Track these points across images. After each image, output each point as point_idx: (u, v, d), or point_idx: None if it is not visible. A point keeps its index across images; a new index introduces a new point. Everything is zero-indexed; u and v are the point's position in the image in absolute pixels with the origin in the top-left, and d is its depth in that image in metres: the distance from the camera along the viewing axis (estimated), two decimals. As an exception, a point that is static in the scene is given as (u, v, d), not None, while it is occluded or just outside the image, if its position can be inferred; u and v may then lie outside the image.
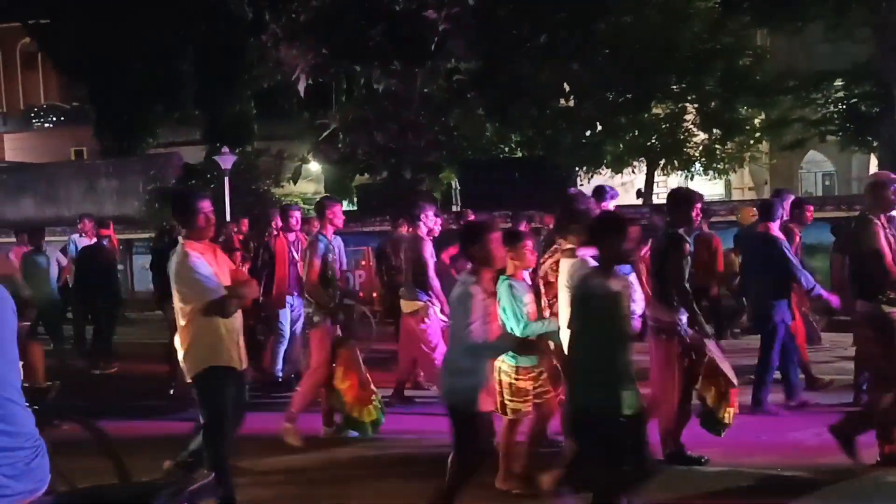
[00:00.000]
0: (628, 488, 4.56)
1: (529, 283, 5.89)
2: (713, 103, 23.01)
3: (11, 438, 2.94)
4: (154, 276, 10.12)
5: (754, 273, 8.34)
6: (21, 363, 5.35)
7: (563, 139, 23.79)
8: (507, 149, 26.45)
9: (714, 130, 23.51)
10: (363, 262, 10.57)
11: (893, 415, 6.20)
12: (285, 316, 9.62)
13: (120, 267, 12.99)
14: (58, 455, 5.21)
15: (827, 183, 34.30)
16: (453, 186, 26.53)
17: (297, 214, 9.81)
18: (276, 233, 9.79)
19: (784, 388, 8.14)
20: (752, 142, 24.54)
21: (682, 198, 6.59)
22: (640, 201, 22.90)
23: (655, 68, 21.66)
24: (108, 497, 3.76)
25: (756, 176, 32.19)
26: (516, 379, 5.77)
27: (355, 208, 25.26)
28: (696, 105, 23.41)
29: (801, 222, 9.02)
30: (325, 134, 25.62)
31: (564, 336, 5.48)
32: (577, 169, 24.02)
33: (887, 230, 6.29)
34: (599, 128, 24.07)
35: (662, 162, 24.22)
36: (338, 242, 7.83)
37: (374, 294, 10.18)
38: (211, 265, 5.35)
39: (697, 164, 24.53)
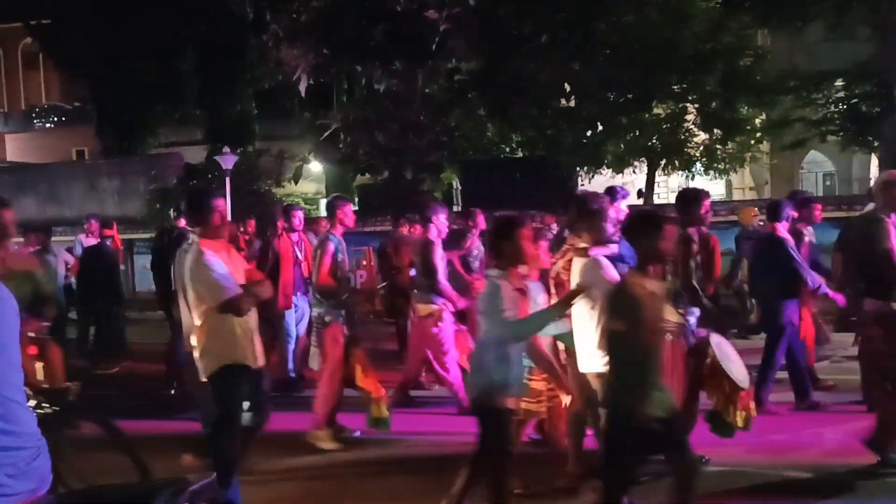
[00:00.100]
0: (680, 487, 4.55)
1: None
2: (714, 103, 22.98)
3: (13, 438, 2.94)
4: (155, 276, 10.12)
5: (761, 274, 8.34)
6: (41, 364, 5.38)
7: (564, 139, 23.79)
8: (507, 149, 26.45)
9: (715, 130, 23.48)
10: (364, 262, 10.55)
11: None
12: (290, 316, 9.63)
13: (122, 267, 12.97)
14: (75, 454, 5.33)
15: (828, 183, 34.27)
16: (454, 186, 26.56)
17: (300, 214, 9.81)
18: (279, 233, 9.79)
19: (794, 390, 8.12)
20: (752, 142, 24.51)
21: (690, 198, 6.68)
22: (640, 201, 22.89)
23: (656, 68, 21.64)
24: (109, 497, 3.76)
25: (757, 176, 32.19)
26: (530, 379, 5.77)
27: (356, 208, 25.24)
28: (696, 105, 23.39)
29: (810, 221, 9.01)
30: (326, 134, 25.65)
31: (577, 337, 5.50)
32: (577, 169, 24.01)
33: None
34: (600, 128, 24.04)
35: (663, 162, 24.20)
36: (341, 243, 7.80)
37: (377, 301, 10.18)
38: (226, 264, 5.36)
39: (698, 164, 24.50)
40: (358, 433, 7.49)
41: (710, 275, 9.53)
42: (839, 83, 21.80)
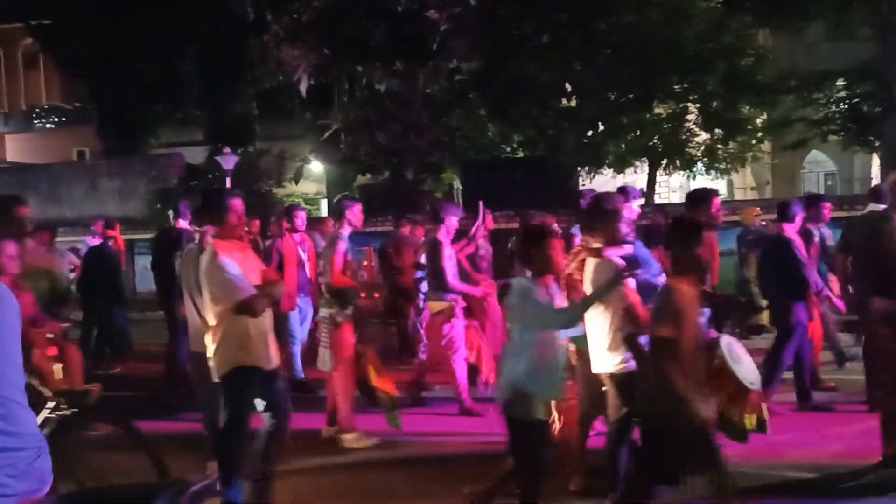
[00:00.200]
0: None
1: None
2: (715, 103, 23.00)
3: (14, 439, 2.94)
4: (155, 277, 10.11)
5: (769, 275, 8.35)
6: (60, 365, 5.38)
7: (565, 139, 23.80)
8: (508, 149, 26.46)
9: (716, 130, 23.51)
10: (365, 263, 10.53)
11: None
12: (295, 317, 9.61)
13: (123, 267, 12.98)
14: (94, 454, 5.33)
15: (829, 183, 34.27)
16: (455, 187, 26.54)
17: (303, 215, 9.78)
18: (282, 233, 9.76)
19: (796, 391, 8.11)
20: (754, 142, 24.55)
21: (700, 197, 6.75)
22: (642, 201, 22.88)
23: (657, 68, 21.65)
24: (110, 497, 3.76)
25: (758, 176, 32.19)
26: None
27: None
28: (697, 105, 23.41)
29: (818, 221, 9.00)
30: (326, 134, 25.64)
31: (589, 338, 5.48)
32: (578, 169, 24.00)
33: None
34: (601, 128, 24.06)
35: (664, 162, 24.23)
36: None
37: (376, 294, 10.16)
38: (240, 264, 5.36)
39: (699, 164, 24.54)
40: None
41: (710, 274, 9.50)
42: (840, 83, 21.83)
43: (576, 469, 5.95)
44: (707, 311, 6.27)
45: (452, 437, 7.67)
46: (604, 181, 24.48)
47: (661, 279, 5.68)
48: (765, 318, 10.63)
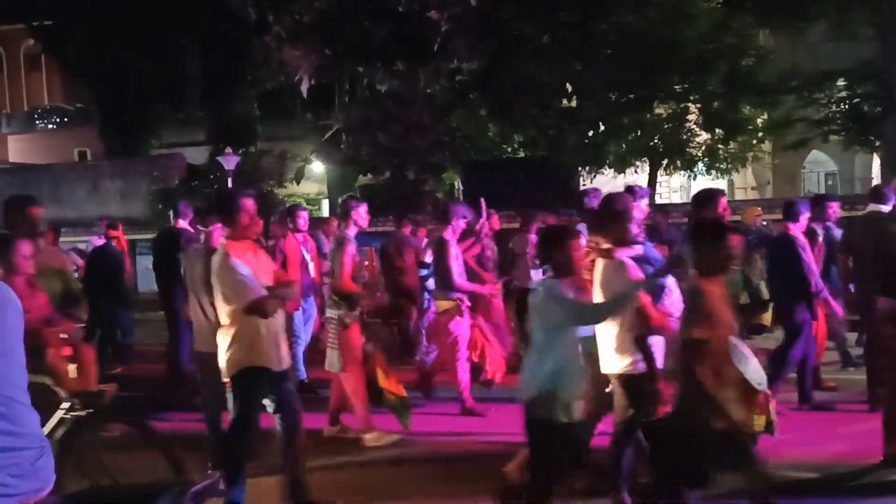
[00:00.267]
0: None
1: None
2: (716, 103, 23.00)
3: (16, 438, 2.95)
4: (157, 277, 10.12)
5: (775, 274, 8.36)
6: (75, 366, 5.39)
7: (566, 139, 23.80)
8: (509, 149, 26.47)
9: (717, 130, 23.49)
10: (366, 263, 10.55)
11: None
12: (298, 317, 9.61)
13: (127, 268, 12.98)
14: (108, 453, 5.35)
15: (830, 183, 34.28)
16: (456, 187, 26.55)
17: (305, 215, 9.77)
18: (285, 234, 9.76)
19: (798, 391, 8.11)
20: (754, 142, 24.55)
21: (706, 198, 6.75)
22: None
23: (658, 68, 21.65)
24: (112, 497, 3.77)
25: (759, 176, 32.19)
26: None
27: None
28: (698, 105, 23.40)
29: (823, 220, 9.00)
30: (328, 134, 25.66)
31: (599, 339, 5.46)
32: (579, 169, 24.01)
33: None
34: (602, 128, 24.05)
35: (665, 162, 24.21)
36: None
37: (377, 294, 10.19)
38: (252, 265, 5.36)
39: (700, 164, 24.52)
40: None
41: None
42: (841, 83, 21.83)
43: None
44: (677, 302, 6.24)
45: (452, 437, 7.66)
46: (604, 181, 24.48)
47: (670, 280, 5.68)
48: (766, 318, 10.61)
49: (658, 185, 25.32)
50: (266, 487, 5.82)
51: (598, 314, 4.88)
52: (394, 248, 11.04)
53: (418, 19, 21.94)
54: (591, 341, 5.55)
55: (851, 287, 8.62)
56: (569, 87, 24.34)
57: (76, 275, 12.42)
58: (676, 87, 22.93)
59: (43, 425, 4.92)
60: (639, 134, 23.64)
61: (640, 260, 5.45)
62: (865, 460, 6.28)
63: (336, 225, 12.84)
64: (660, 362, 5.26)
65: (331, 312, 7.45)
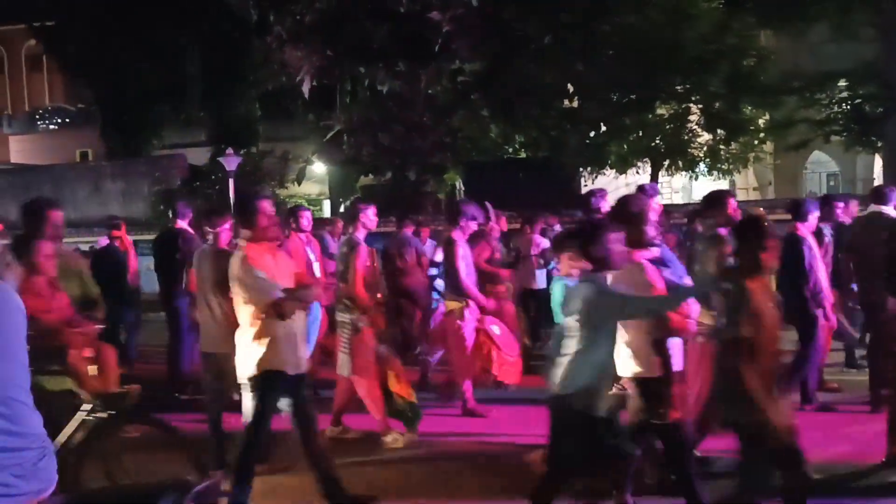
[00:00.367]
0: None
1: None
2: (717, 104, 22.95)
3: (19, 439, 2.95)
4: (159, 277, 10.12)
5: (784, 274, 8.36)
6: (94, 367, 5.38)
7: (568, 140, 23.77)
8: (511, 150, 26.45)
9: (718, 131, 23.44)
10: (368, 264, 10.57)
11: None
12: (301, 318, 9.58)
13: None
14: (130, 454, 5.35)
15: (831, 183, 34.28)
16: (458, 187, 26.54)
17: (308, 215, 9.75)
18: (289, 234, 9.74)
19: (800, 391, 8.11)
20: (756, 142, 24.49)
21: (717, 198, 6.78)
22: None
23: (659, 69, 21.61)
24: (114, 498, 3.76)
25: (760, 176, 32.17)
26: None
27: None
28: (700, 106, 23.35)
29: (831, 220, 8.99)
30: (329, 135, 25.64)
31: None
32: (581, 170, 23.99)
33: None
34: (604, 128, 24.03)
35: (667, 163, 24.16)
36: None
37: (378, 295, 10.19)
38: (272, 267, 5.37)
39: (702, 165, 24.48)
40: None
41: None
42: (843, 84, 21.80)
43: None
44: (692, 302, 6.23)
45: (452, 438, 7.66)
46: (606, 182, 24.48)
47: (687, 280, 5.66)
48: None
49: (660, 185, 25.26)
50: (269, 488, 5.82)
51: (646, 309, 4.80)
52: (395, 248, 11.03)
53: (420, 20, 21.92)
54: None
55: (854, 286, 8.63)
56: (570, 87, 24.33)
57: None
58: (678, 87, 22.90)
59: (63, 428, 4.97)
60: (640, 134, 23.60)
61: (657, 262, 5.38)
62: (868, 461, 6.27)
63: (342, 226, 12.85)
64: (677, 365, 5.23)
65: (342, 316, 7.38)
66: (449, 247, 8.33)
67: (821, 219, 8.58)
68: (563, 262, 5.67)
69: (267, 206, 5.51)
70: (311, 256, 9.51)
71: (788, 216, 8.31)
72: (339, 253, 7.84)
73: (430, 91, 23.84)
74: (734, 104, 22.68)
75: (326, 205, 32.90)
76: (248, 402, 5.41)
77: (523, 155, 26.06)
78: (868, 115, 21.23)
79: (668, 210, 13.38)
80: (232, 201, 20.93)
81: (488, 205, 9.62)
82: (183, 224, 9.43)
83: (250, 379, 5.39)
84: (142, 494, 3.69)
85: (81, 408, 5.12)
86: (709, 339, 6.05)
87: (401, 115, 23.43)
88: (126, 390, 5.48)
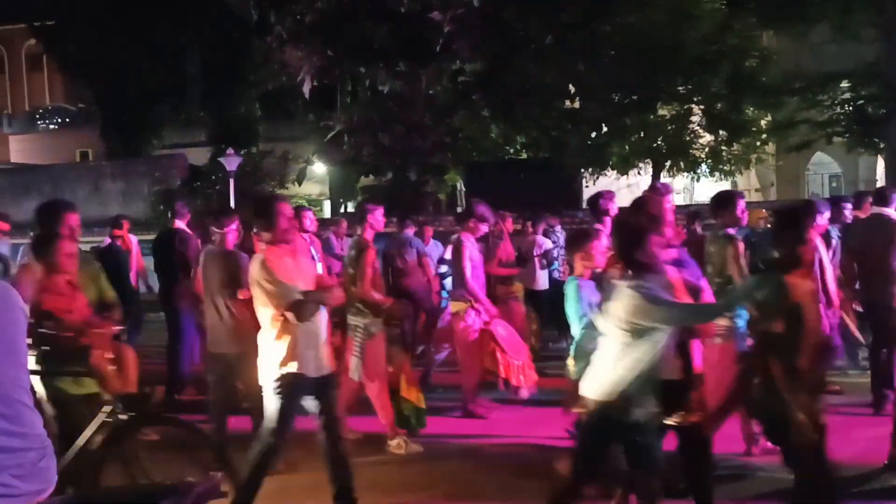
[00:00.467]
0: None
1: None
2: (719, 105, 22.94)
3: (20, 439, 2.93)
4: (159, 278, 10.09)
5: None
6: (114, 368, 5.35)
7: (569, 140, 23.76)
8: (512, 150, 26.44)
9: (720, 132, 23.42)
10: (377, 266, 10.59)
11: None
12: None
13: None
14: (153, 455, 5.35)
15: (834, 185, 34.24)
16: (458, 188, 26.54)
17: (310, 215, 9.73)
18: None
19: None
20: (758, 143, 24.46)
21: (725, 199, 6.74)
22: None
23: (661, 69, 21.60)
24: (115, 499, 3.74)
25: (762, 178, 32.13)
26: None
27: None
28: (702, 106, 23.34)
29: (838, 222, 8.97)
30: (330, 135, 25.64)
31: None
32: (582, 170, 23.97)
33: None
34: (605, 129, 24.02)
35: (668, 163, 24.14)
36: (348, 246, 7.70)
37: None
38: (291, 269, 5.35)
39: (703, 166, 24.46)
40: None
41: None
42: (845, 85, 21.78)
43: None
44: (745, 314, 6.19)
45: (454, 439, 7.65)
46: (607, 183, 24.45)
47: (703, 282, 5.60)
48: None
49: (662, 186, 25.23)
50: (271, 489, 5.79)
51: (696, 316, 4.66)
52: (395, 249, 11.00)
53: (420, 20, 21.92)
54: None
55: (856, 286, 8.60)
56: (571, 88, 24.30)
57: None
58: (680, 88, 22.89)
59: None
60: (642, 135, 23.58)
61: (676, 263, 5.30)
62: (870, 463, 6.24)
63: (345, 226, 12.84)
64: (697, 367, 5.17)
65: (354, 320, 7.30)
66: (457, 247, 8.32)
67: (829, 220, 8.57)
68: (577, 261, 5.65)
69: (286, 208, 5.53)
70: (315, 257, 9.50)
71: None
72: (347, 255, 7.80)
73: (430, 91, 23.84)
74: (736, 105, 22.67)
75: (327, 205, 32.91)
76: (269, 404, 5.36)
77: (524, 155, 26.06)
78: (870, 116, 21.21)
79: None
80: (232, 202, 20.96)
81: (506, 213, 9.60)
82: (180, 224, 9.40)
83: (272, 381, 5.35)
84: (142, 495, 3.66)
85: (102, 409, 5.07)
86: (727, 340, 6.04)
87: (401, 115, 23.42)
88: (150, 392, 5.45)
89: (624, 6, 22.20)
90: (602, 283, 5.65)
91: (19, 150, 40.59)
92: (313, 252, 9.45)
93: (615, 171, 24.58)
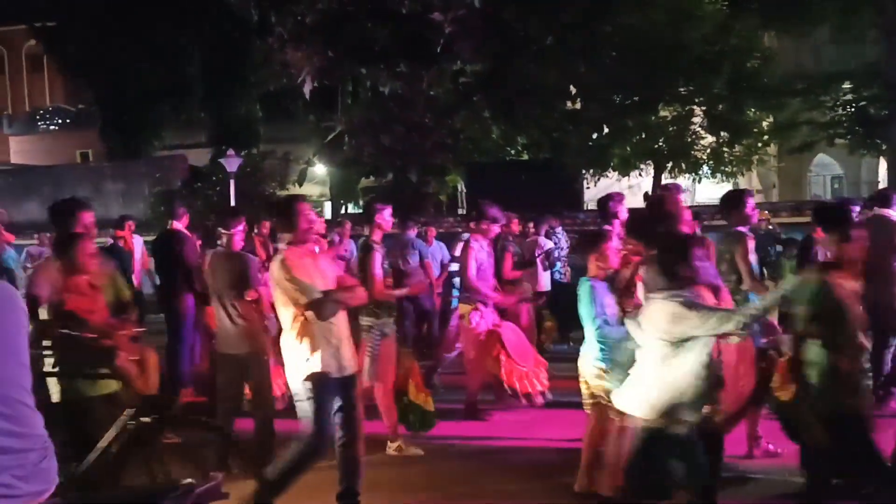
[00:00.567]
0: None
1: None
2: (721, 106, 22.94)
3: (21, 440, 2.92)
4: (159, 278, 10.07)
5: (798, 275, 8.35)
6: (138, 370, 5.32)
7: (570, 141, 23.75)
8: (513, 151, 26.43)
9: (722, 133, 23.42)
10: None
11: None
12: None
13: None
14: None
15: (836, 186, 34.24)
16: (459, 189, 26.53)
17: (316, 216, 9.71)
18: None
19: None
20: (760, 145, 24.46)
21: (735, 198, 6.78)
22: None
23: (662, 70, 21.59)
24: (116, 500, 3.71)
25: (764, 179, 32.12)
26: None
27: (360, 211, 25.24)
28: (703, 108, 23.34)
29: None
30: (330, 136, 25.64)
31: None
32: (583, 171, 23.96)
33: None
34: (606, 130, 24.02)
35: (670, 165, 24.14)
36: (351, 247, 7.70)
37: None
38: (310, 269, 5.34)
39: (705, 167, 24.45)
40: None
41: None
42: (847, 86, 21.79)
43: (588, 469, 5.94)
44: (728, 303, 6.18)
45: (456, 440, 7.62)
46: (608, 184, 24.43)
47: (719, 281, 5.55)
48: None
49: (662, 188, 25.23)
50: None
51: (734, 321, 4.45)
52: (398, 250, 10.98)
53: (421, 21, 21.91)
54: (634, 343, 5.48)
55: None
56: (572, 89, 24.30)
57: None
58: (681, 89, 22.88)
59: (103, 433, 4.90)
60: (643, 136, 23.58)
61: None
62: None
63: (349, 227, 12.84)
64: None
65: (367, 321, 7.23)
66: (464, 248, 8.33)
67: None
68: (591, 262, 5.61)
69: (307, 209, 5.54)
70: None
71: (792, 219, 8.29)
72: (356, 258, 7.77)
73: (431, 92, 23.81)
74: (737, 106, 22.67)
75: (328, 206, 32.88)
76: (303, 408, 5.35)
77: (525, 156, 26.04)
78: (872, 117, 21.23)
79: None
80: (233, 203, 20.93)
81: (513, 214, 9.57)
82: (178, 226, 9.37)
83: (299, 383, 5.34)
84: (143, 496, 3.64)
85: (125, 412, 4.99)
86: (744, 339, 6.00)
87: (402, 116, 23.39)
88: (174, 396, 5.42)
89: (624, 6, 22.18)
90: (615, 283, 5.64)
91: (19, 150, 40.60)
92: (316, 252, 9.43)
93: (616, 173, 24.58)
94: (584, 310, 5.57)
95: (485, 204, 8.43)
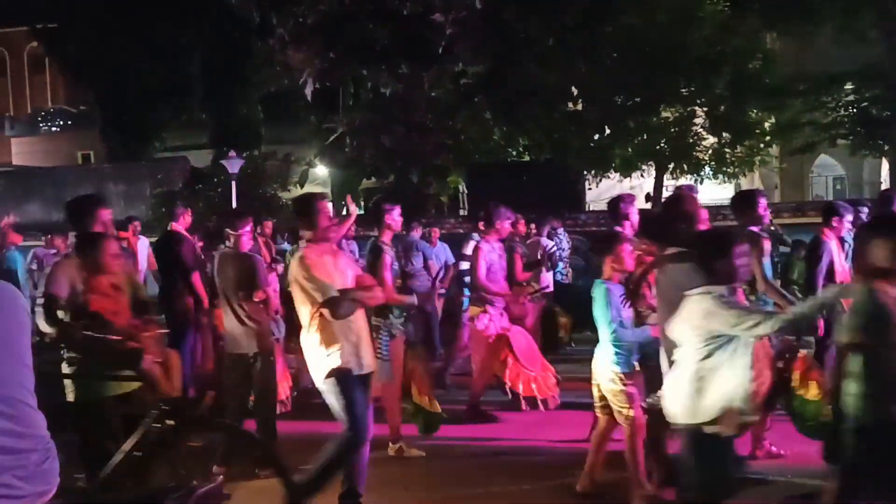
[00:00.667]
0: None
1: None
2: (722, 107, 22.90)
3: (23, 440, 2.92)
4: (160, 279, 10.07)
5: (806, 276, 8.35)
6: (161, 371, 5.30)
7: (571, 142, 23.73)
8: (514, 152, 26.41)
9: (723, 134, 23.38)
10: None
11: None
12: None
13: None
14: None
15: (838, 187, 34.19)
16: (461, 190, 26.52)
17: None
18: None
19: None
20: (762, 145, 24.42)
21: (747, 198, 6.72)
22: (648, 205, 22.80)
23: (664, 71, 21.57)
24: (116, 500, 3.71)
25: (766, 180, 32.07)
26: (625, 385, 5.63)
27: (361, 212, 25.20)
28: (705, 108, 23.31)
29: (856, 227, 8.94)
30: (332, 138, 25.61)
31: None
32: (585, 172, 23.94)
33: None
34: (608, 131, 24.00)
35: (671, 166, 24.12)
36: (353, 247, 7.69)
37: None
38: (329, 267, 5.35)
39: (707, 168, 24.42)
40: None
41: None
42: (849, 86, 21.78)
43: (591, 470, 5.96)
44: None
45: (456, 441, 7.61)
46: (610, 185, 24.42)
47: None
48: None
49: (664, 189, 25.19)
50: (272, 488, 5.75)
51: (773, 324, 4.36)
52: (402, 251, 10.98)
53: (422, 22, 21.90)
54: (648, 345, 5.49)
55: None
56: (574, 90, 24.27)
57: None
58: (682, 90, 22.85)
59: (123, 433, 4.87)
60: (645, 137, 23.56)
61: None
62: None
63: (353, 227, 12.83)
64: None
65: (376, 322, 7.16)
66: (475, 249, 8.35)
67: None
68: (607, 264, 5.60)
69: (327, 206, 5.61)
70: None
71: (794, 220, 8.28)
72: (365, 260, 7.76)
73: (432, 93, 23.80)
74: (739, 107, 22.63)
75: (328, 207, 32.87)
76: (332, 404, 5.36)
77: (526, 157, 26.01)
78: (874, 118, 21.23)
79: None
80: (234, 204, 20.93)
81: (519, 215, 9.57)
82: (178, 227, 9.37)
83: (325, 382, 5.36)
84: (143, 497, 3.63)
85: (148, 415, 4.89)
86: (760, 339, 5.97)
87: (403, 117, 23.39)
88: (200, 399, 5.40)
89: (625, 7, 22.18)
90: (629, 285, 5.61)
91: (21, 152, 40.63)
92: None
93: (618, 174, 24.55)
94: (600, 312, 5.55)
95: (495, 205, 8.41)
